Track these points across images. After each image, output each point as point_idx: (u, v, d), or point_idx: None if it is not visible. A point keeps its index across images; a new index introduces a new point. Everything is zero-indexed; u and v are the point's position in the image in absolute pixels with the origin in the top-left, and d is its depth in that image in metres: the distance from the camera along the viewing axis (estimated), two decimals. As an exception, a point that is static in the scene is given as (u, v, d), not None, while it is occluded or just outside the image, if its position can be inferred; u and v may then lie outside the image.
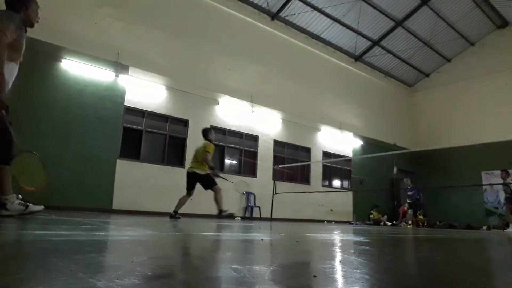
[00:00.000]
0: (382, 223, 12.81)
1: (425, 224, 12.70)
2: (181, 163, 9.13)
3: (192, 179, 6.05)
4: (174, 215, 5.89)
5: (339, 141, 13.43)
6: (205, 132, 6.32)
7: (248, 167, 10.68)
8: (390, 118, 15.88)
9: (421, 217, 12.50)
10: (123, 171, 7.96)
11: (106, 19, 8.38)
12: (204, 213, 9.09)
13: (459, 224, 12.96)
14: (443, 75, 16.30)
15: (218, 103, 10.05)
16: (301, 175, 12.18)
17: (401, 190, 12.18)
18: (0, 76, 2.67)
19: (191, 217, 8.10)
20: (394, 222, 12.94)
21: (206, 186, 5.99)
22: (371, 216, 13.18)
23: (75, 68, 7.70)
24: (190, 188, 6.06)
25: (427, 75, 16.87)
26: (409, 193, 11.36)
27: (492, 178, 13.95)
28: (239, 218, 9.60)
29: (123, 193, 7.88)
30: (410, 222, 11.36)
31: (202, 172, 5.97)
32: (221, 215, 5.91)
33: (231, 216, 6.10)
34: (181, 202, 5.99)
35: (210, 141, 6.20)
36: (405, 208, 11.91)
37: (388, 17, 13.02)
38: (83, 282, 0.77)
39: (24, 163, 3.07)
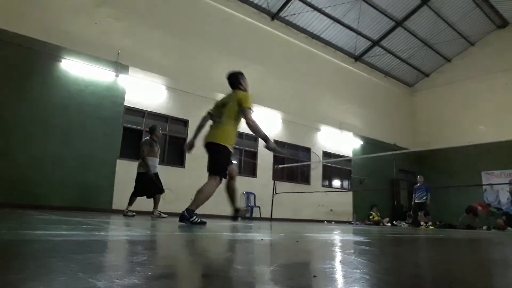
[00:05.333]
0: (381, 224, 12.76)
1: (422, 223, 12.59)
2: (181, 163, 9.13)
3: None
4: None
5: (339, 141, 13.43)
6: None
7: (248, 167, 10.68)
8: (390, 118, 15.88)
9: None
10: (123, 171, 7.95)
11: (106, 19, 8.38)
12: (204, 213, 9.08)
13: (459, 224, 12.94)
14: (443, 75, 16.29)
15: (218, 103, 10.03)
16: (301, 175, 12.18)
17: (413, 188, 11.58)
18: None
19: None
20: (393, 222, 12.90)
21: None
22: (371, 217, 13.07)
23: (75, 68, 7.70)
24: None
25: (427, 75, 16.86)
26: (418, 193, 10.76)
27: (492, 178, 13.94)
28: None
29: (123, 193, 7.84)
30: (422, 223, 11.06)
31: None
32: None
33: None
34: None
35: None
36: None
37: (388, 17, 13.02)
38: (83, 282, 0.77)
39: None
